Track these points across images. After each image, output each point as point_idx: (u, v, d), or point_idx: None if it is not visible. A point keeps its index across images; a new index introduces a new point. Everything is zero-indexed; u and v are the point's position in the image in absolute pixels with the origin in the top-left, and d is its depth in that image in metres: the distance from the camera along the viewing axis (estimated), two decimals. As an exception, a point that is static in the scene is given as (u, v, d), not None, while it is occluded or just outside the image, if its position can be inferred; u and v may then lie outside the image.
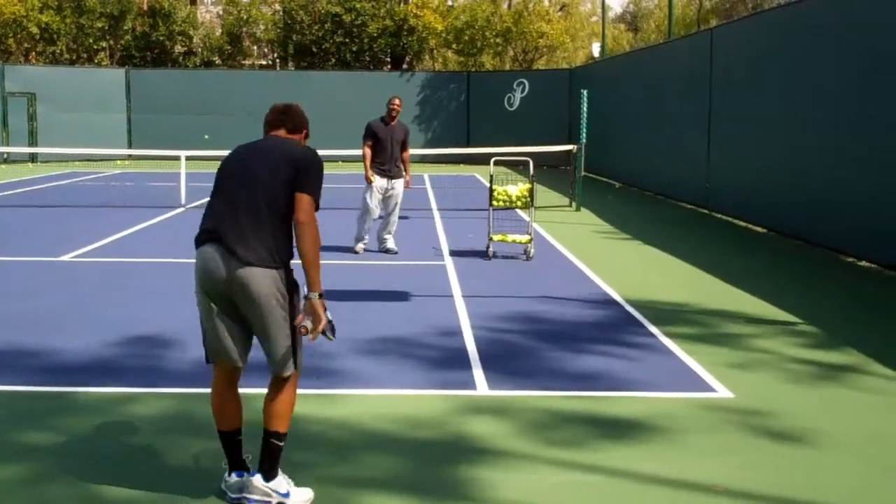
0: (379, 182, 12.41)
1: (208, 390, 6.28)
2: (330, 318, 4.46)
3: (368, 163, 12.40)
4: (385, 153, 12.40)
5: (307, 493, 4.57)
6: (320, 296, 4.40)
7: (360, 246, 12.57)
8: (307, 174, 4.48)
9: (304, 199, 4.43)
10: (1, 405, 6.06)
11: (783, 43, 14.63)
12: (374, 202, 12.44)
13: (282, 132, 4.79)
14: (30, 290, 9.90)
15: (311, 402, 6.05)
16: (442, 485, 4.84)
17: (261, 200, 4.43)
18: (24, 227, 15.08)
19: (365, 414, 5.90)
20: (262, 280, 4.38)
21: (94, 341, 7.60)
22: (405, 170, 12.62)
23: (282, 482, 4.51)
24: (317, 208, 4.49)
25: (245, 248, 4.37)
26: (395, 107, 12.40)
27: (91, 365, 6.97)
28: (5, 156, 30.62)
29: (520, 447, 5.38)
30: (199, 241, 4.52)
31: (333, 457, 5.19)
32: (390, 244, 12.60)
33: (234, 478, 4.60)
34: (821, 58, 13.29)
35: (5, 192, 20.82)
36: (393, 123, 12.45)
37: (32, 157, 31.15)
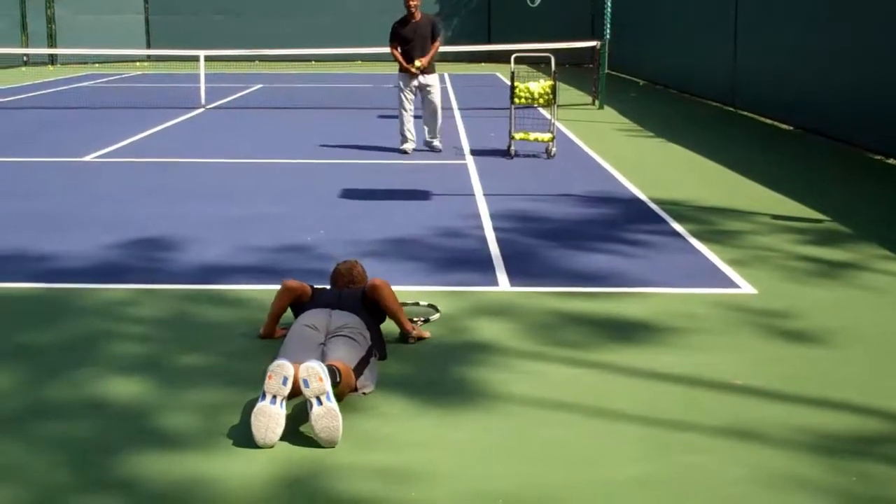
0: (412, 80, 12.27)
1: (216, 287, 6.38)
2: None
3: (400, 58, 12.20)
4: (414, 52, 12.18)
5: None
6: None
7: (406, 146, 12.37)
8: None
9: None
10: (11, 302, 6.12)
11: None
12: (406, 100, 12.29)
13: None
14: (50, 189, 9.93)
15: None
16: (452, 380, 4.86)
17: None
18: (46, 128, 15.08)
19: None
20: None
21: (107, 240, 7.63)
22: (428, 56, 12.24)
23: None
24: None
25: None
26: (410, 4, 12.06)
27: (100, 263, 7.01)
28: (25, 58, 30.45)
29: (537, 344, 5.39)
30: None
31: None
32: (437, 143, 12.52)
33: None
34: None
35: (27, 94, 20.78)
36: (416, 20, 12.21)
37: (52, 59, 30.98)
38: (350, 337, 4.76)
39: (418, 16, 12.22)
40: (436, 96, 12.39)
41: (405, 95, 12.33)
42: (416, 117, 12.57)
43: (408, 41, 12.20)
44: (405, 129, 12.37)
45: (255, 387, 4.61)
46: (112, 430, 4.28)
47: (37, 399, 4.61)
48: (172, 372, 4.96)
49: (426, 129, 12.57)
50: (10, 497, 3.69)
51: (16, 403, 4.56)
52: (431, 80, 12.38)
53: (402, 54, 12.23)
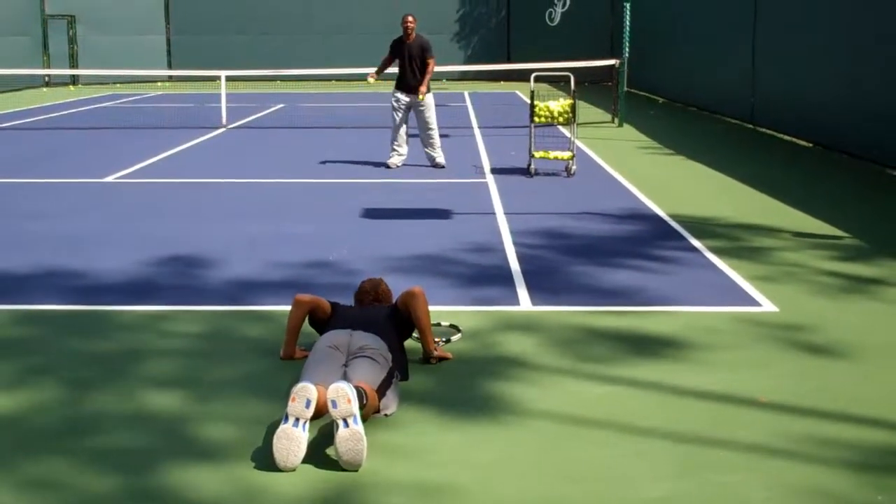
0: (403, 98, 12.62)
1: (242, 308, 6.42)
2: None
3: (380, 67, 12.91)
4: (404, 70, 12.62)
5: None
6: None
7: (391, 161, 12.77)
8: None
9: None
10: (43, 323, 6.17)
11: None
12: (396, 117, 12.66)
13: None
14: (74, 210, 10.01)
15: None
16: (477, 397, 4.88)
17: None
18: (67, 149, 15.20)
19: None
20: None
21: (136, 260, 7.68)
22: (422, 80, 12.50)
23: None
24: None
25: None
26: (407, 24, 12.50)
27: (132, 283, 7.07)
28: (46, 78, 30.72)
29: (560, 361, 5.40)
30: None
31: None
32: (439, 159, 12.75)
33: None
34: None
35: (48, 115, 20.96)
36: (409, 41, 12.53)
37: (73, 80, 31.25)
38: (372, 358, 4.77)
39: (413, 37, 12.53)
40: (428, 114, 12.61)
41: (395, 114, 12.67)
42: (412, 136, 12.93)
43: (402, 61, 12.58)
44: (393, 143, 12.74)
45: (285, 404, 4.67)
46: (150, 444, 4.34)
47: (76, 413, 4.68)
48: (207, 388, 5.01)
49: (424, 146, 12.83)
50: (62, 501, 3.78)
51: (56, 417, 4.64)
52: (425, 98, 12.58)
53: (397, 73, 12.69)
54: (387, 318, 5.23)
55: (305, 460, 4.11)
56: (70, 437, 4.42)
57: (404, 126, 12.68)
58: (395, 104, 12.66)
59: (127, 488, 3.93)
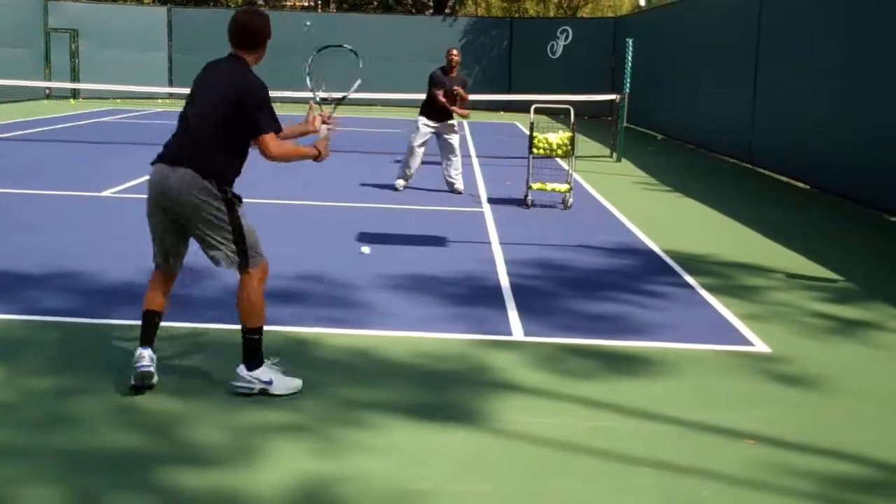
0: (430, 125, 12.85)
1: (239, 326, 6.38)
2: None
3: (445, 101, 12.75)
4: (437, 99, 12.83)
5: (293, 382, 4.96)
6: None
7: (399, 182, 13.07)
8: (260, 110, 5.13)
9: (265, 140, 5.21)
10: (34, 331, 6.15)
11: (835, -5, 14.30)
12: (416, 141, 12.86)
13: (241, 52, 5.34)
14: (70, 223, 9.99)
15: (340, 334, 6.07)
16: (466, 422, 4.87)
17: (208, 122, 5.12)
18: (65, 162, 15.19)
19: (391, 347, 5.92)
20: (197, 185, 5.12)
21: (130, 273, 7.63)
22: (459, 106, 12.84)
23: (265, 371, 4.92)
24: (278, 131, 5.21)
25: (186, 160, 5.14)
26: (452, 58, 12.90)
27: (126, 295, 7.00)
28: (48, 91, 30.77)
29: (549, 391, 5.38)
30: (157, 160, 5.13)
31: (348, 380, 5.33)
32: (458, 185, 13.01)
33: (147, 351, 5.05)
34: (874, 7, 12.98)
35: (48, 128, 20.96)
36: (452, 74, 12.89)
37: (74, 94, 31.29)
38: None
39: (456, 70, 12.92)
40: (455, 141, 12.88)
41: (418, 137, 12.85)
42: (423, 163, 13.17)
43: (444, 92, 12.81)
44: (406, 167, 13.01)
45: (275, 407, 4.75)
46: (138, 446, 4.40)
47: (68, 415, 4.68)
48: (194, 396, 5.02)
49: (446, 171, 13.02)
50: (46, 497, 3.91)
51: (42, 418, 4.64)
52: (450, 126, 12.89)
53: (430, 99, 12.84)
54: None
55: (284, 462, 4.21)
56: (59, 437, 4.50)
57: (420, 151, 12.90)
58: (420, 129, 12.88)
59: (116, 482, 4.05)
